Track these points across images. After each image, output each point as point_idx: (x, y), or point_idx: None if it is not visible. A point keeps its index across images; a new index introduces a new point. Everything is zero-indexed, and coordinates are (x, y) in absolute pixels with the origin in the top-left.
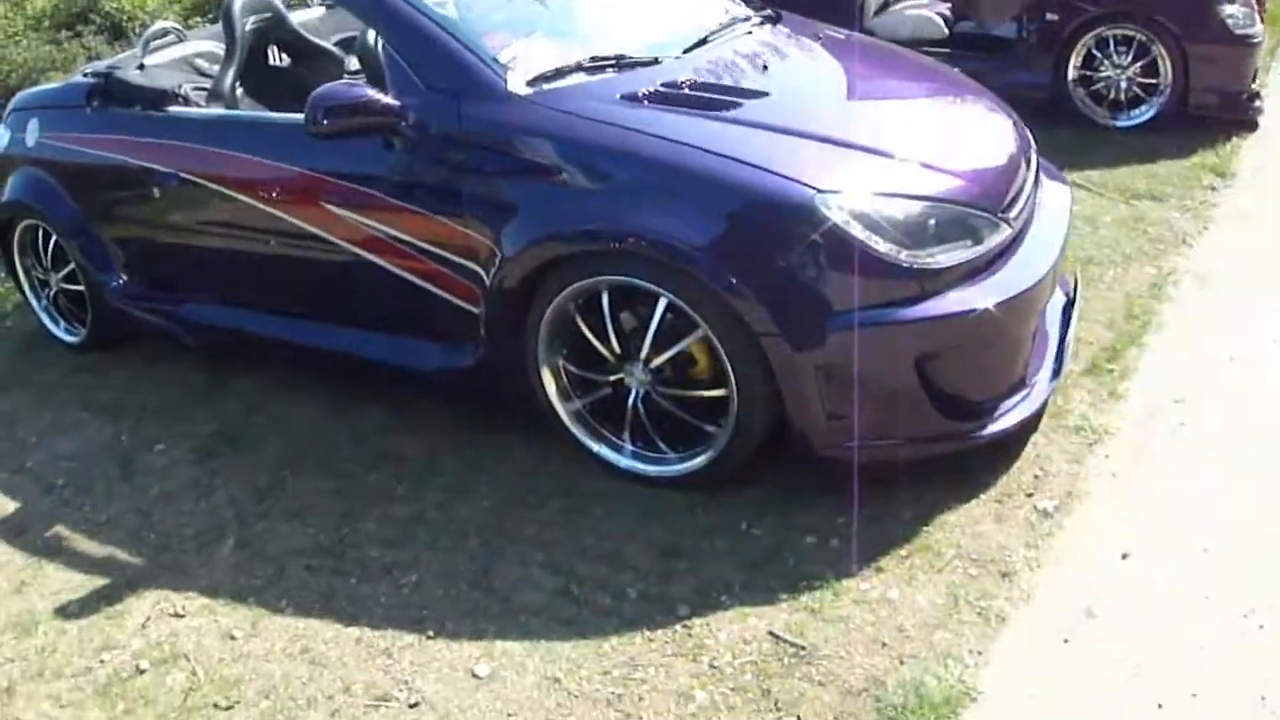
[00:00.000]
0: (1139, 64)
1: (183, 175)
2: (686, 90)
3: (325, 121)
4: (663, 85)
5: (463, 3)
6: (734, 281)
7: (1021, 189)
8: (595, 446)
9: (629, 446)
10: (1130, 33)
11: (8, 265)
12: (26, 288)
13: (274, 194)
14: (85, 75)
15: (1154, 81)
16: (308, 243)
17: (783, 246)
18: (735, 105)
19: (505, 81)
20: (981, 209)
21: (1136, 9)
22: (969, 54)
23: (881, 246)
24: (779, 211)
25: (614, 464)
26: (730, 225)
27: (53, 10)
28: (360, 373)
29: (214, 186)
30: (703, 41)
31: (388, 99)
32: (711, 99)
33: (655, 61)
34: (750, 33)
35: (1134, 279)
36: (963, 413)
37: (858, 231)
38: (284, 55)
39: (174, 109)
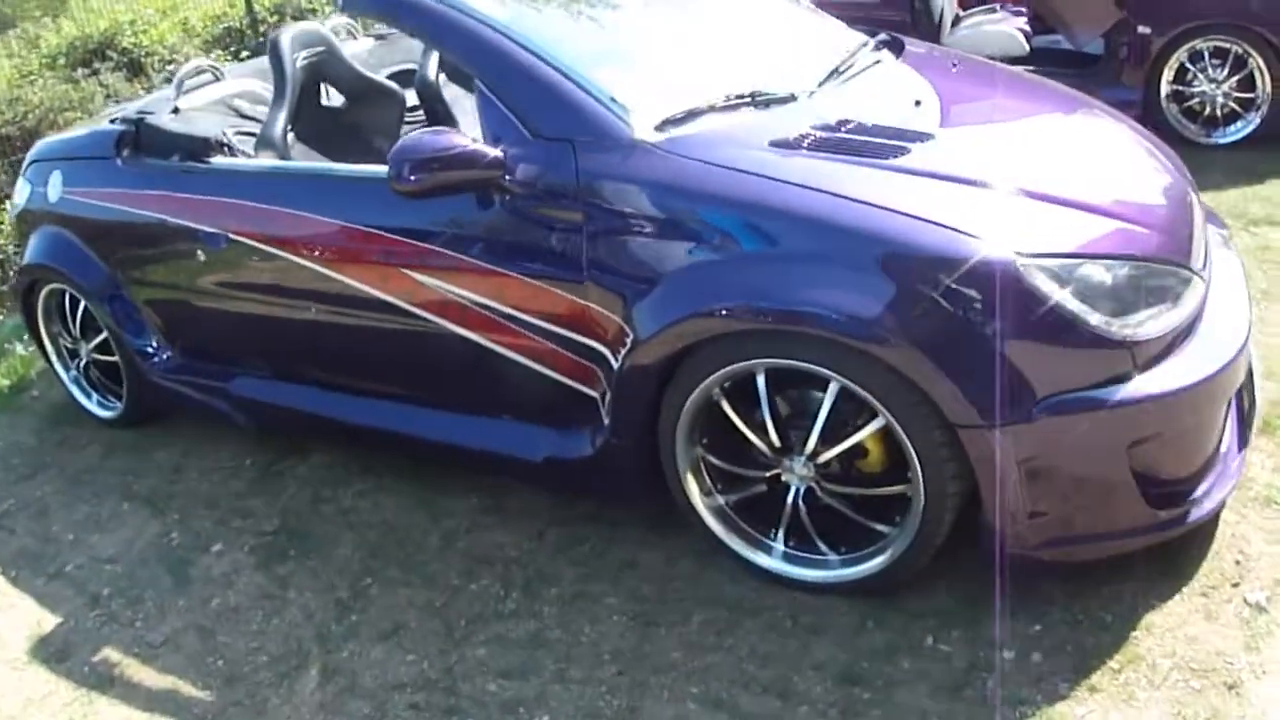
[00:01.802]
0: (1235, 78)
1: (233, 236)
2: (845, 134)
3: (413, 177)
4: (815, 128)
5: (557, 35)
6: (926, 365)
7: (1198, 234)
8: (740, 548)
9: (780, 547)
10: (1225, 45)
11: (32, 333)
12: (54, 357)
13: (344, 258)
14: (113, 121)
15: (1250, 96)
16: (385, 314)
17: (983, 321)
18: (902, 151)
19: (630, 126)
20: (1175, 264)
21: (1232, 20)
22: (1051, 70)
23: (1094, 319)
24: (978, 281)
25: (762, 567)
26: (920, 298)
27: (68, 48)
28: (441, 457)
29: (271, 249)
30: (835, 72)
31: (488, 150)
32: (876, 144)
33: (792, 98)
34: (879, 61)
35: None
36: (1166, 500)
37: (1067, 300)
38: (338, 94)
39: (218, 160)
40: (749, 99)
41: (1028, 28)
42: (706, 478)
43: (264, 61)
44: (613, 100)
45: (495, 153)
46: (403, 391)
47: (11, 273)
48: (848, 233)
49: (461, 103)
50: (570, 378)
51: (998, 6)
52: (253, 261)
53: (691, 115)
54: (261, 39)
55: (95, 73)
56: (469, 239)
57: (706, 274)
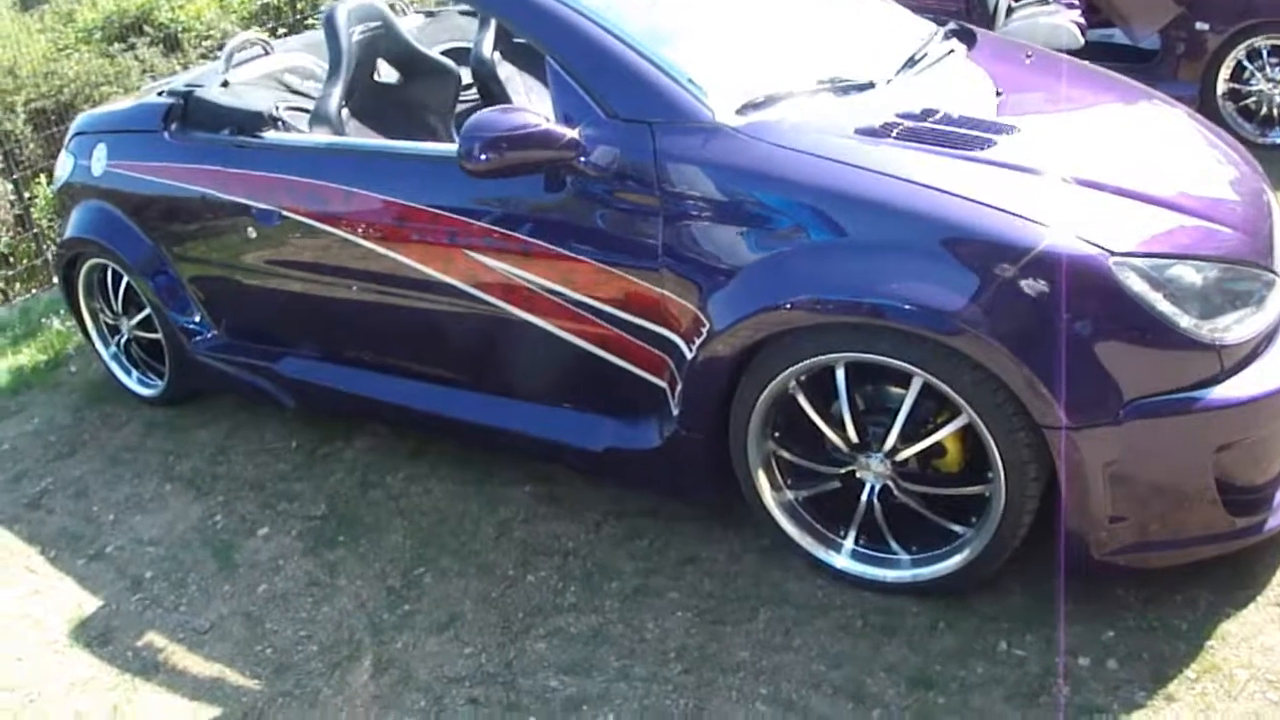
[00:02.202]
0: None
1: (286, 213)
2: (932, 124)
3: (484, 156)
4: (901, 117)
5: (634, 14)
6: (1014, 363)
7: (1278, 235)
8: (808, 545)
9: (849, 545)
10: None
11: (71, 308)
12: (93, 333)
13: (403, 238)
14: (161, 95)
15: None
16: (444, 296)
17: (1073, 321)
18: (989, 144)
19: (710, 109)
20: (1260, 266)
21: None
22: (1105, 65)
23: (1184, 321)
24: (1070, 279)
25: (829, 565)
26: (1010, 295)
27: (104, 22)
28: (495, 444)
29: (326, 227)
30: (911, 61)
31: (563, 131)
32: (963, 136)
33: (871, 85)
34: (953, 51)
35: None
36: (1244, 507)
37: (1159, 302)
38: (392, 70)
39: (272, 134)
40: (829, 84)
41: (1082, 20)
42: (777, 473)
43: (313, 36)
44: (691, 82)
45: (570, 133)
46: (458, 376)
47: (49, 247)
48: (937, 226)
49: (515, 81)
50: (639, 366)
51: None
52: (306, 239)
53: (771, 99)
54: (300, 15)
55: (131, 47)
56: (537, 221)
57: (789, 264)
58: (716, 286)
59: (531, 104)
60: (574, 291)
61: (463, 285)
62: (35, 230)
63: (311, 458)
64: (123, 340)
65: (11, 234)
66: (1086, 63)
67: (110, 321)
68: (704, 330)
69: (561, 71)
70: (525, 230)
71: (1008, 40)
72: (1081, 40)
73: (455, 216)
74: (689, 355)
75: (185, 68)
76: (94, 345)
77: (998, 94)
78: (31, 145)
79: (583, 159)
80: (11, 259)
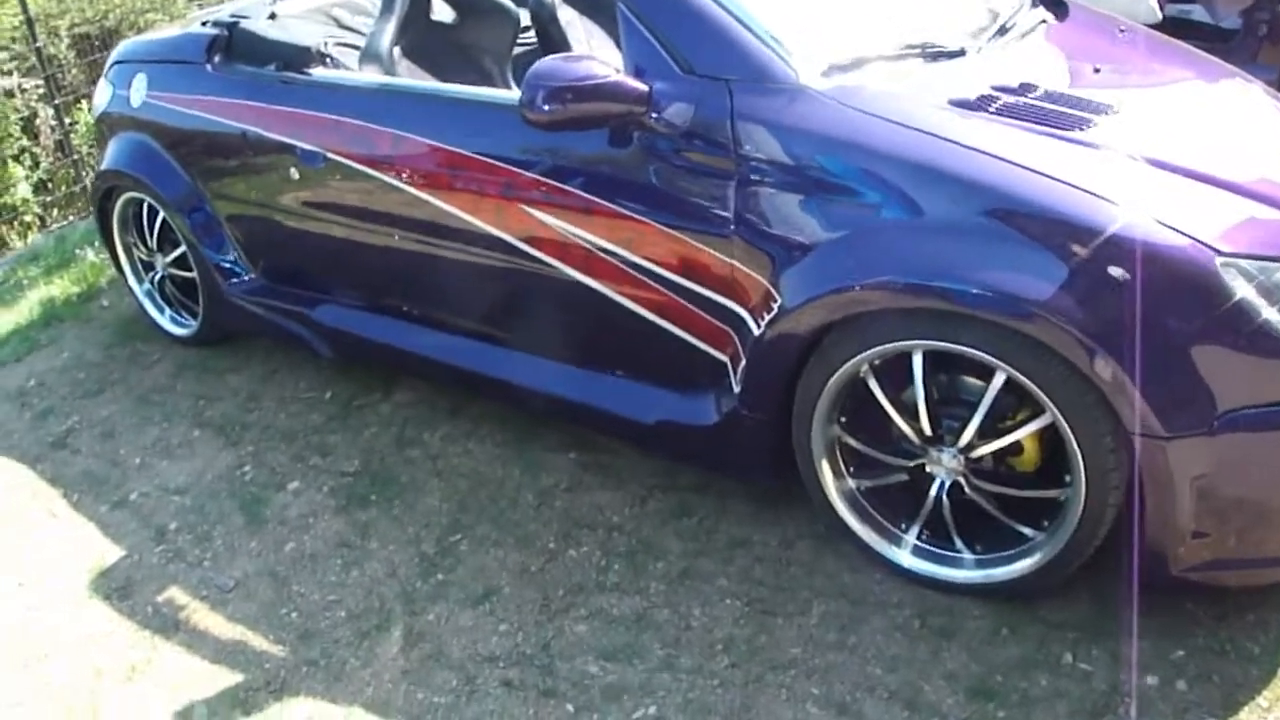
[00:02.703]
0: None
1: (331, 155)
2: (1029, 99)
3: (547, 107)
4: (997, 89)
5: None
6: (1108, 364)
7: None
8: (868, 536)
9: (911, 540)
10: None
11: (105, 241)
12: (128, 269)
13: (453, 188)
14: (205, 25)
15: None
16: (495, 251)
17: (1173, 322)
18: (1088, 124)
19: (794, 70)
20: None
21: None
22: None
23: None
24: (1172, 277)
25: (889, 559)
26: (1107, 291)
27: None
28: (539, 408)
29: (374, 172)
30: (1002, 30)
31: (633, 83)
32: (1062, 114)
33: (962, 53)
34: (1045, 22)
35: None
36: None
37: (1265, 309)
38: (447, 9)
39: (319, 72)
40: (918, 50)
41: None
42: (841, 460)
43: None
44: (775, 39)
45: (641, 86)
46: (503, 334)
47: (87, 174)
48: (1032, 210)
49: (575, 26)
50: (699, 339)
51: None
52: (351, 183)
53: (858, 63)
54: None
55: None
56: (600, 178)
57: (871, 242)
58: (791, 260)
59: (593, 51)
60: (634, 254)
61: (514, 240)
62: (75, 157)
63: (347, 409)
64: (157, 277)
65: (51, 159)
66: (1180, 42)
67: (145, 258)
68: (774, 306)
69: (634, 19)
70: (585, 186)
71: (1097, 12)
72: (1159, 14)
73: (510, 168)
74: (756, 331)
75: None
76: (127, 281)
77: (1095, 70)
78: (74, 70)
79: (653, 115)
80: (50, 185)
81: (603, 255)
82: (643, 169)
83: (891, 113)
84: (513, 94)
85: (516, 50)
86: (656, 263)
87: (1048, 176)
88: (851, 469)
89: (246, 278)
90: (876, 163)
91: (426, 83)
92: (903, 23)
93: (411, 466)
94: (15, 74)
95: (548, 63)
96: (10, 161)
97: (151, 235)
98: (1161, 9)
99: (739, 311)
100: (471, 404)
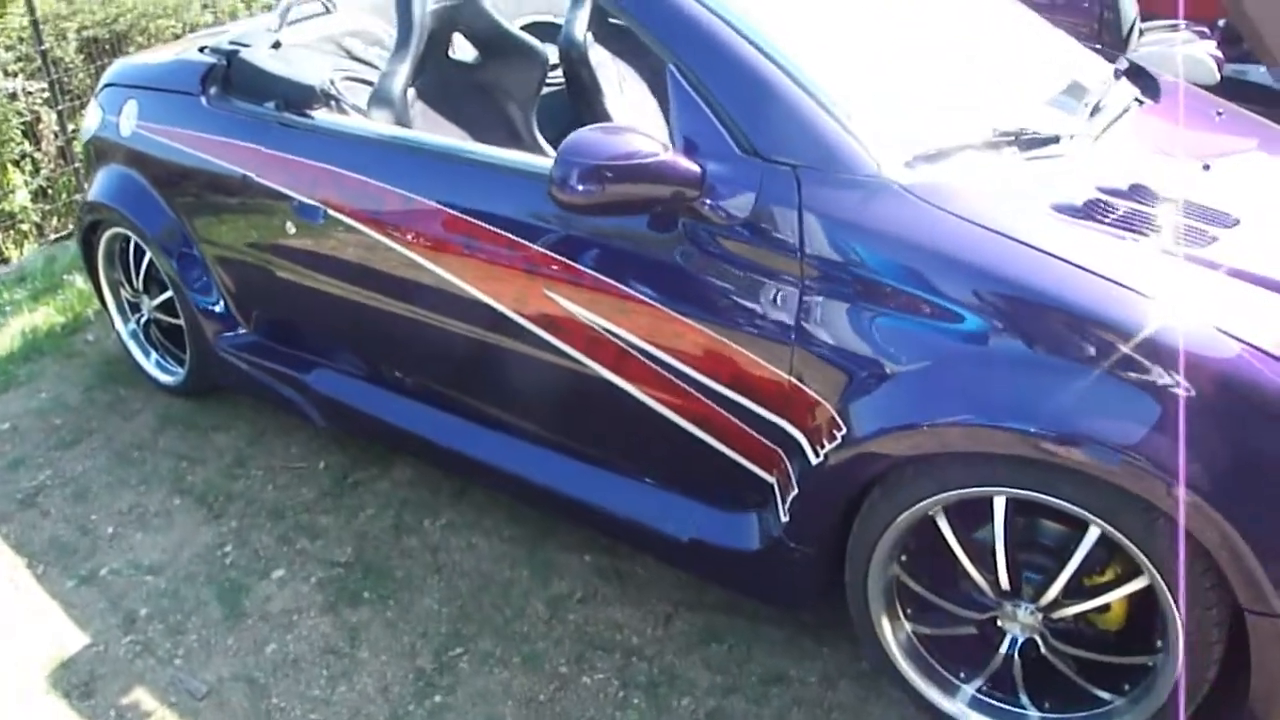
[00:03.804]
0: None
1: (332, 211)
2: (1140, 206)
3: (582, 188)
4: (1105, 193)
5: (777, 28)
6: (1227, 532)
7: None
8: (920, 683)
9: (969, 690)
10: None
11: (90, 276)
12: (112, 307)
13: (469, 261)
14: (203, 50)
15: None
16: (513, 337)
17: None
18: (1210, 239)
19: (876, 160)
20: None
21: None
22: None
23: None
24: None
25: (944, 711)
26: (1238, 454)
27: None
28: (556, 509)
29: (378, 235)
30: (1095, 110)
31: (684, 163)
32: (1182, 226)
33: (1055, 140)
34: (1140, 101)
35: None
36: None
37: None
38: (470, 47)
39: (323, 115)
40: (1009, 137)
41: (1219, 53)
42: (898, 602)
43: None
44: (851, 121)
45: (692, 167)
46: (518, 425)
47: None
48: (1159, 349)
49: (607, 68)
50: (743, 456)
51: (1182, 24)
52: (353, 245)
53: (944, 153)
54: None
55: None
56: (637, 267)
57: (958, 372)
58: (861, 383)
59: (625, 96)
60: (673, 357)
61: (534, 327)
62: (76, 165)
63: (341, 485)
64: (143, 319)
65: (53, 165)
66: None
67: (130, 298)
68: (839, 434)
69: (688, 87)
70: (620, 275)
71: (1191, 89)
72: (1218, 76)
73: (535, 246)
74: (814, 459)
75: (247, 5)
76: (111, 319)
77: (1205, 167)
78: (81, 75)
79: (707, 201)
80: (49, 192)
81: (636, 355)
82: (689, 261)
83: (988, 219)
84: (543, 162)
85: (545, 89)
86: (699, 369)
87: (1174, 308)
88: (909, 611)
89: (237, 332)
90: (970, 278)
91: (445, 139)
92: (986, 102)
93: (409, 560)
94: (20, 76)
95: (584, 135)
96: (10, 166)
97: (138, 275)
98: (1221, 69)
99: (793, 433)
100: (477, 489)
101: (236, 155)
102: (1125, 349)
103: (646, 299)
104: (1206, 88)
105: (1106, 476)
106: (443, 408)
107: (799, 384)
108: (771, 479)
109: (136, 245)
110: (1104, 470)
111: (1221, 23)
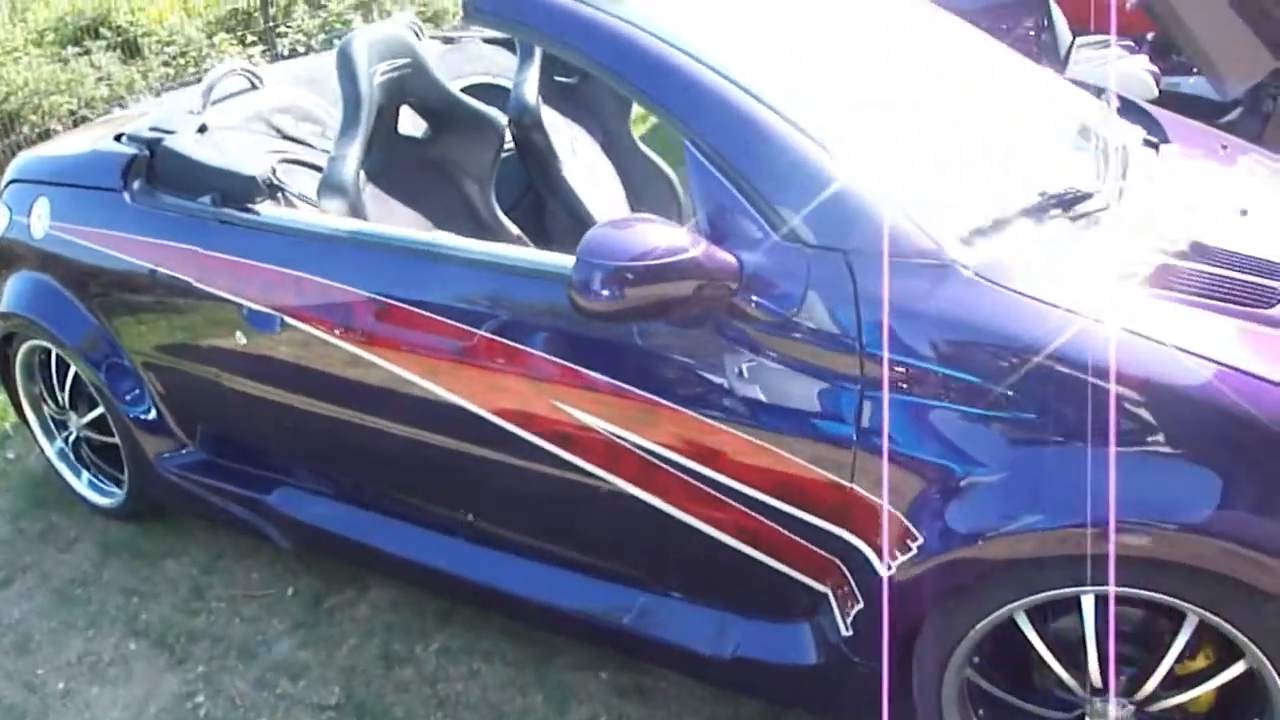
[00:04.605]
0: None
1: (289, 319)
2: (1205, 267)
3: (606, 292)
4: (1167, 255)
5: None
6: None
7: None
8: None
9: None
10: None
11: (9, 393)
12: (35, 426)
13: (459, 372)
14: (119, 139)
15: None
16: (514, 453)
17: None
18: (1275, 297)
19: (937, 240)
20: None
21: None
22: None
23: None
24: None
25: None
26: None
27: (58, 23)
28: (569, 632)
29: (346, 345)
30: (1110, 155)
31: (720, 256)
32: (1245, 285)
33: (1090, 196)
34: (1152, 143)
35: None
36: None
37: None
38: (419, 119)
39: (269, 210)
40: (1053, 200)
41: (1155, 68)
42: (970, 706)
43: (307, 65)
44: (902, 198)
45: (728, 259)
46: (524, 542)
47: None
48: (1261, 430)
49: (560, 131)
50: (794, 569)
51: (1110, 42)
52: (317, 356)
53: (999, 225)
54: (272, 24)
55: (87, 52)
56: (665, 372)
57: (1056, 470)
58: (935, 488)
59: (579, 158)
60: (711, 469)
61: (540, 441)
62: None
63: (315, 612)
64: (71, 437)
65: None
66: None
67: (56, 415)
68: (913, 545)
69: (713, 168)
70: (644, 382)
71: (1186, 123)
72: (1156, 90)
73: (540, 353)
74: (882, 571)
75: (144, 77)
76: (36, 439)
77: (1243, 213)
78: None
79: (745, 296)
80: None
81: (664, 467)
82: (726, 363)
83: (1063, 298)
84: (541, 258)
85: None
86: (741, 480)
87: (1261, 379)
88: (981, 711)
89: (182, 451)
90: (1060, 366)
91: (424, 234)
92: (1016, 161)
93: (406, 694)
94: None
95: (605, 233)
96: None
97: (62, 389)
98: (1158, 83)
99: (855, 543)
100: (464, 605)
101: (169, 258)
102: (1233, 433)
103: (676, 406)
104: (1149, 101)
105: (1213, 567)
106: (427, 525)
107: (861, 490)
108: (825, 588)
109: (59, 357)
110: (1211, 561)
111: (1150, 36)
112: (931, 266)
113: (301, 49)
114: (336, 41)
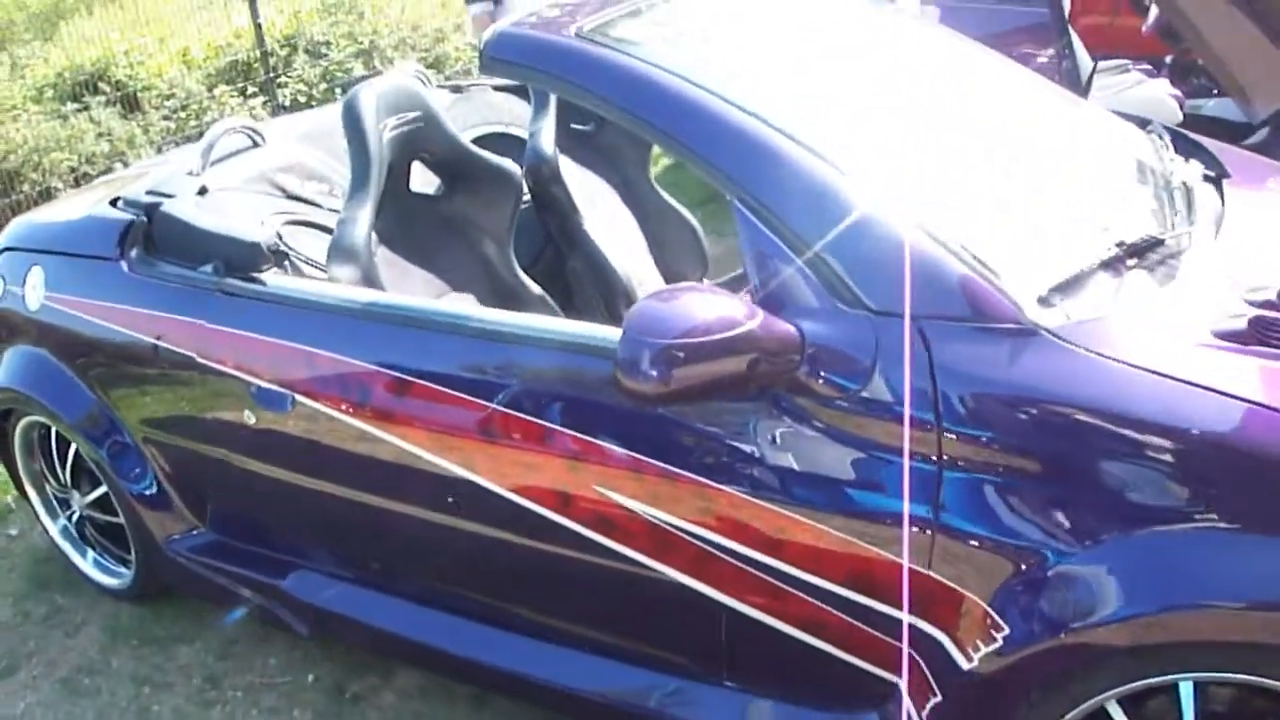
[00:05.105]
0: None
1: (302, 398)
2: None
3: (655, 372)
4: (1259, 306)
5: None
6: None
7: None
8: None
9: None
10: None
11: (9, 471)
12: (37, 504)
13: (491, 456)
14: (115, 204)
15: None
16: (553, 541)
17: None
18: None
19: (1017, 302)
20: None
21: None
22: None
23: None
24: None
25: None
26: None
27: (57, 79)
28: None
29: (365, 426)
30: (1187, 197)
31: (780, 327)
32: None
33: (1161, 241)
34: (1213, 175)
35: None
36: None
37: None
38: (431, 175)
39: (274, 279)
40: (1129, 249)
41: (1178, 91)
42: None
43: (311, 121)
44: (981, 255)
45: (788, 329)
46: (562, 632)
47: None
48: None
49: (575, 179)
50: (860, 658)
51: (1129, 66)
52: (333, 437)
53: (1078, 281)
54: (273, 75)
55: (86, 107)
56: (718, 453)
57: (1161, 549)
58: (1024, 576)
59: (598, 210)
60: (772, 556)
61: (583, 529)
62: None
63: (339, 701)
64: (75, 516)
65: None
66: None
67: (58, 493)
68: (999, 635)
69: (763, 225)
70: (697, 466)
71: (1238, 153)
72: (1180, 115)
73: (580, 435)
74: (964, 663)
75: (145, 131)
76: (38, 517)
77: None
78: None
79: (808, 370)
80: None
81: (720, 555)
82: (786, 443)
83: (1158, 362)
84: (568, 327)
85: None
86: (805, 567)
87: None
88: None
89: (191, 532)
90: (1153, 440)
91: (448, 305)
92: (1082, 206)
93: None
94: None
95: (654, 308)
96: None
97: (64, 467)
98: (1182, 107)
99: (932, 633)
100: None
101: (171, 332)
102: None
103: (732, 490)
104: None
105: None
106: (457, 612)
107: (940, 578)
108: (896, 678)
109: (58, 433)
110: None
111: (1169, 59)
112: (1011, 331)
113: (303, 99)
114: (339, 92)
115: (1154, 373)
